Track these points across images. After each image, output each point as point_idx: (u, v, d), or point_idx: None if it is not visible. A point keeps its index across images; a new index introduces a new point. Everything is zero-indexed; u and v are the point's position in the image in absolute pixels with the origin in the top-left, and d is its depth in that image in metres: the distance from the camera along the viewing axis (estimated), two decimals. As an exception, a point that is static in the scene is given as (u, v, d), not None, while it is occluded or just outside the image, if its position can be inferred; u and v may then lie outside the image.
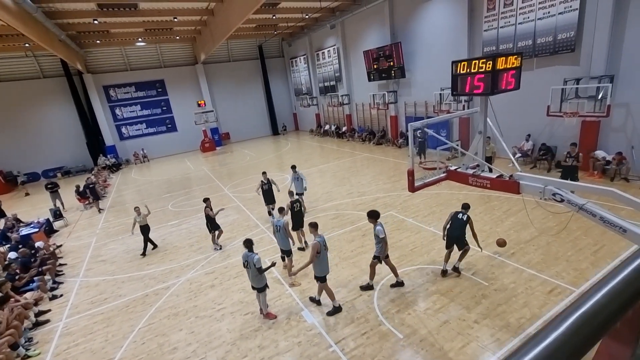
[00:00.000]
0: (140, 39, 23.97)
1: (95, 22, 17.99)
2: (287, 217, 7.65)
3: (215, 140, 29.31)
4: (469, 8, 14.22)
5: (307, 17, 22.05)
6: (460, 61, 4.39)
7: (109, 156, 25.50)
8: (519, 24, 12.51)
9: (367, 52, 20.15)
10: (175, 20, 19.76)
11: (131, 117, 27.42)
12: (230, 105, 30.65)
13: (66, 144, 25.17)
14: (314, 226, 6.26)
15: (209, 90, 29.18)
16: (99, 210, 15.29)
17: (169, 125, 28.79)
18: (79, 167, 25.23)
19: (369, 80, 20.89)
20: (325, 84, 26.56)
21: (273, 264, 6.36)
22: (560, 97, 11.22)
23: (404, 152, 18.01)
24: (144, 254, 10.01)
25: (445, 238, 6.82)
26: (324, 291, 6.34)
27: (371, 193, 12.50)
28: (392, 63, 18.57)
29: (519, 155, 12.96)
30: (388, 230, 9.21)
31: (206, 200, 9.50)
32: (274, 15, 21.22)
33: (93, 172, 21.48)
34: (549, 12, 11.60)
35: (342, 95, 24.43)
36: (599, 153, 11.06)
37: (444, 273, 6.93)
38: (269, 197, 10.58)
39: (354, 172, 15.87)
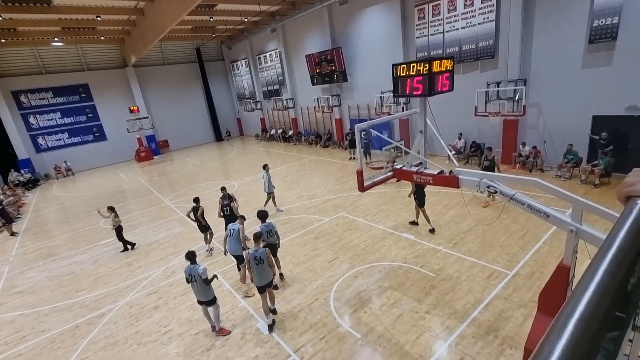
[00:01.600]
0: (56, 39, 21.37)
1: (-1, 17, 15.61)
2: (240, 226, 7.35)
3: (152, 148, 27.27)
4: (401, 16, 15.12)
5: (246, 20, 21.60)
6: (400, 64, 4.59)
7: (23, 171, 22.21)
8: (446, 32, 13.62)
9: (309, 57, 20.35)
10: (99, 19, 17.98)
11: (49, 126, 24.26)
12: (167, 111, 28.75)
13: (-36, 160, 21.40)
14: (255, 237, 5.97)
15: (142, 95, 27.04)
16: (12, 233, 13.21)
17: (97, 134, 26.06)
18: (-17, 185, 21.56)
19: (313, 84, 21.11)
20: (269, 87, 26.26)
21: (215, 276, 6.05)
22: (485, 98, 12.43)
23: (354, 152, 18.43)
24: (126, 249, 10.13)
25: (416, 201, 8.48)
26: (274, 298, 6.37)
27: (321, 195, 12.57)
28: (334, 67, 18.99)
29: (453, 152, 14.05)
30: (340, 231, 9.36)
31: (197, 200, 8.89)
32: (211, 18, 20.42)
33: (2, 190, 18.52)
34: (470, 22, 12.80)
35: (286, 99, 24.35)
36: (526, 150, 12.29)
37: (433, 230, 8.48)
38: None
39: (303, 175, 15.86)
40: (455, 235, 8.36)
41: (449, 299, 6.09)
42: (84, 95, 25.10)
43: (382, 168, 5.64)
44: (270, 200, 11.26)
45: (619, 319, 0.53)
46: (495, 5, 11.88)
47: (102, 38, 23.04)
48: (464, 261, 7.22)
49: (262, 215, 7.10)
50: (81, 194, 18.70)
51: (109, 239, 11.34)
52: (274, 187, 11.23)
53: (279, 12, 21.17)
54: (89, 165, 25.70)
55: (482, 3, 12.22)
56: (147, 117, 26.17)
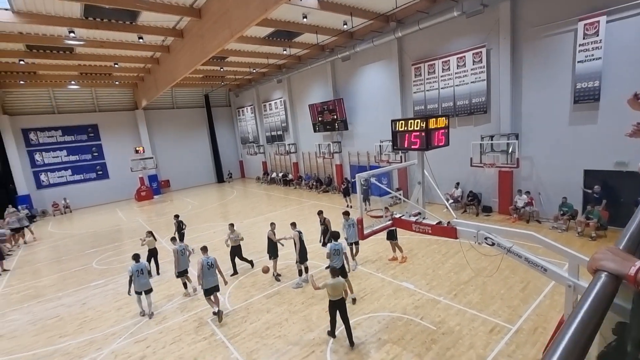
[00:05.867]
0: (73, 82, 22.61)
1: (22, 62, 16.69)
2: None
3: (154, 188, 27.47)
4: (399, 73, 16.24)
5: (254, 71, 23.08)
6: (399, 120, 4.92)
7: (20, 207, 22.11)
8: (441, 88, 14.55)
9: (312, 106, 21.42)
10: (116, 66, 19.22)
11: (54, 163, 24.67)
12: (172, 152, 29.48)
13: (-36, 194, 21.45)
14: (203, 249, 8.21)
15: (149, 136, 27.91)
16: (2, 270, 12.86)
17: (100, 172, 26.42)
18: (-22, 220, 21.34)
19: (315, 131, 21.96)
20: (272, 133, 27.22)
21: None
22: (479, 150, 12.92)
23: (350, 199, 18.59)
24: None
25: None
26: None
27: (319, 241, 12.46)
28: (335, 116, 19.91)
29: (451, 201, 14.24)
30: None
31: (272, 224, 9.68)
32: (221, 68, 21.84)
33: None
34: (463, 81, 13.73)
35: (288, 144, 25.13)
36: (522, 199, 12.44)
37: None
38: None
39: (302, 220, 15.82)
40: (455, 285, 8.22)
41: (451, 355, 5.85)
42: (92, 134, 25.90)
43: (381, 217, 5.75)
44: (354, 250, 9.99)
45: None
46: (485, 67, 12.86)
47: (117, 83, 24.40)
48: (465, 314, 7.03)
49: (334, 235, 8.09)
50: (77, 232, 18.49)
51: (99, 280, 11.06)
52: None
53: (285, 65, 22.71)
54: (88, 203, 25.68)
55: (473, 64, 13.22)
56: (152, 158, 26.75)
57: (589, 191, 10.76)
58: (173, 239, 9.51)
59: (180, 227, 12.34)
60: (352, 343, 6.33)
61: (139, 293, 8.16)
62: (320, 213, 10.55)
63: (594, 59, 10.08)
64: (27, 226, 17.72)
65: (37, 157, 24.09)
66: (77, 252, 14.62)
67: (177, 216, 12.40)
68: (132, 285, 8.07)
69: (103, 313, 8.76)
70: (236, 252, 10.10)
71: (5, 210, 20.06)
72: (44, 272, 12.58)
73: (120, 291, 9.91)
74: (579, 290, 3.63)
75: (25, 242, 16.92)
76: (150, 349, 6.97)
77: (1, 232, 14.59)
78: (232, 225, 10.23)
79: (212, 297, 7.79)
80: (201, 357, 6.51)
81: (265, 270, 7.30)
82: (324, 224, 9.96)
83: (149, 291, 8.21)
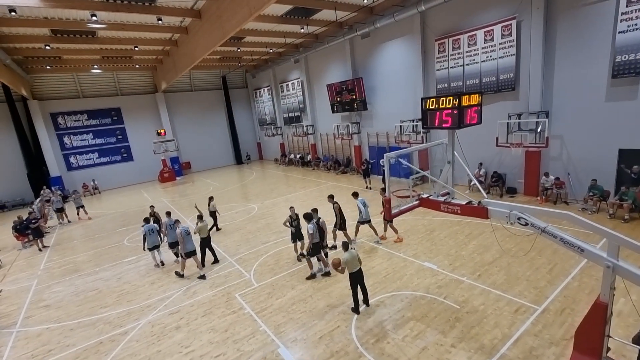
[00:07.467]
0: (96, 66, 23.04)
1: (47, 47, 17.09)
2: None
3: (176, 169, 28.19)
4: (422, 50, 15.65)
5: (271, 51, 22.79)
6: (429, 98, 4.80)
7: (54, 188, 23.28)
8: (467, 65, 13.97)
9: (330, 86, 21.09)
10: (136, 49, 19.40)
11: (81, 145, 25.65)
12: (191, 134, 29.99)
13: (1, 176, 22.69)
14: (177, 221, 9.71)
15: (169, 119, 28.41)
16: (41, 248, 13.72)
17: (125, 155, 27.28)
18: (17, 200, 22.70)
19: (333, 111, 21.72)
20: (290, 114, 27.12)
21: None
22: (506, 129, 12.48)
23: (370, 181, 18.50)
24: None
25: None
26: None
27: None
28: (354, 96, 19.57)
29: (473, 182, 13.93)
30: (361, 257, 9.33)
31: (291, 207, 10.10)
32: (238, 49, 21.67)
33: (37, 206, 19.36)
34: (490, 56, 13.12)
35: (306, 126, 25.01)
36: (550, 180, 12.11)
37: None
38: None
39: (322, 201, 15.92)
40: (479, 266, 8.19)
41: (475, 333, 5.91)
42: (115, 118, 26.60)
43: (408, 197, 5.74)
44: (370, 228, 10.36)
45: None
46: (515, 40, 12.20)
47: (137, 66, 24.70)
48: (490, 294, 7.04)
49: (306, 216, 8.56)
50: (107, 211, 19.36)
51: (132, 256, 11.65)
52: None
53: (303, 44, 22.27)
54: (115, 185, 26.72)
55: (502, 38, 12.57)
56: (173, 140, 27.30)
57: (628, 171, 10.26)
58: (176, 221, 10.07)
59: (156, 217, 12.15)
60: (367, 303, 6.95)
61: (152, 249, 10.25)
62: (331, 197, 10.33)
63: (637, 29, 9.37)
64: (81, 206, 18.30)
65: (66, 140, 25.06)
66: (108, 230, 15.38)
67: (152, 207, 12.76)
68: (146, 242, 10.08)
69: (138, 287, 9.29)
70: (206, 243, 9.95)
71: (41, 191, 21.20)
72: (80, 249, 13.35)
73: (152, 267, 10.45)
74: (617, 271, 3.55)
75: (60, 223, 17.86)
76: (184, 320, 7.39)
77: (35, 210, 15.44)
78: (200, 216, 10.25)
79: (193, 259, 9.32)
80: (232, 329, 6.86)
81: (336, 264, 6.62)
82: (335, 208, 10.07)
83: (158, 246, 10.33)
